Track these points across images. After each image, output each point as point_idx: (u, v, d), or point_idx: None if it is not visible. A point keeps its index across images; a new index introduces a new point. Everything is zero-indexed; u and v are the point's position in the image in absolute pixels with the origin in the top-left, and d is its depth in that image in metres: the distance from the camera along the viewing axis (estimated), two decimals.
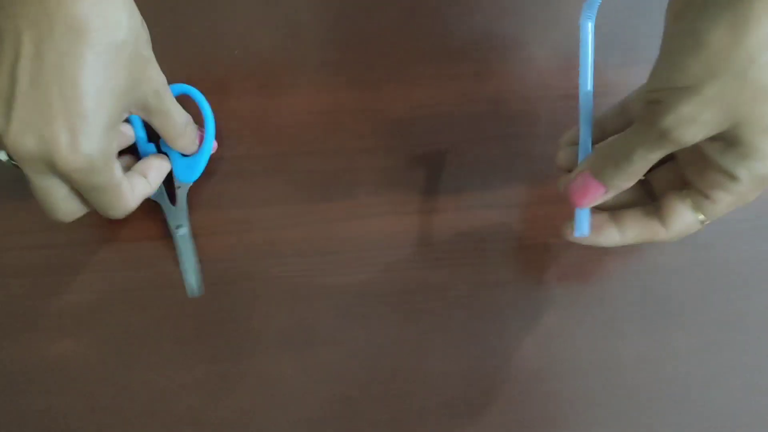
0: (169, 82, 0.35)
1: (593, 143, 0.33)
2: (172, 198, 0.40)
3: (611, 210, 0.33)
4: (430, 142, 0.41)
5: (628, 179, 0.30)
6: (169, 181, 0.40)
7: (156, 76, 0.34)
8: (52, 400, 0.37)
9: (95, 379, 0.38)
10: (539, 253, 0.39)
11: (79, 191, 0.33)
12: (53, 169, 0.31)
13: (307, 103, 0.41)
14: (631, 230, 0.32)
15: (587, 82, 0.33)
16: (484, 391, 0.37)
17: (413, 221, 0.40)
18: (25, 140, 0.30)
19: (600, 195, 0.31)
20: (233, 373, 0.38)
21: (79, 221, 0.39)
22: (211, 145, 0.40)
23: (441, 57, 0.42)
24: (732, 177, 0.28)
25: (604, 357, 0.38)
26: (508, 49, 0.43)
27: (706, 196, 0.29)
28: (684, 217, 0.31)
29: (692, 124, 0.26)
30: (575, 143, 0.34)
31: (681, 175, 0.32)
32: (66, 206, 0.33)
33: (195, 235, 0.40)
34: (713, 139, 0.27)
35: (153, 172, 0.37)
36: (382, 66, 0.42)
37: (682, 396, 0.37)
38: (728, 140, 0.27)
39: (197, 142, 0.39)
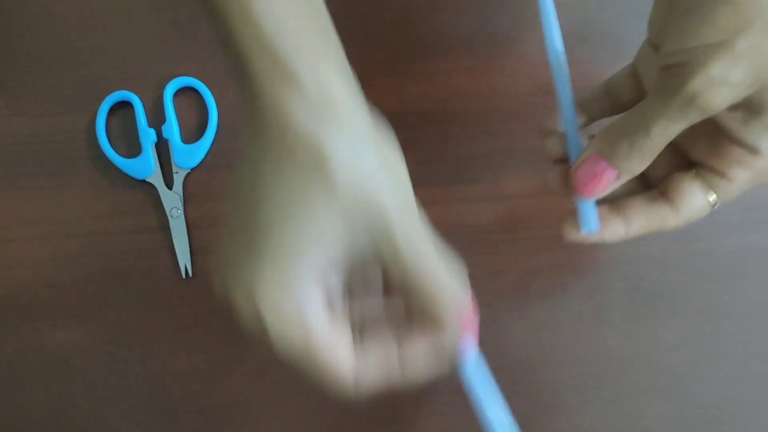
0: (172, 76, 0.36)
1: (603, 116, 0.31)
2: (170, 182, 0.41)
3: (609, 202, 0.30)
4: (422, 137, 0.41)
5: (643, 159, 0.26)
6: (167, 166, 0.41)
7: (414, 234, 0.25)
8: (52, 389, 0.38)
9: (95, 368, 0.39)
10: (530, 244, 0.40)
11: None
12: None
13: None
14: (638, 220, 0.29)
15: (556, 41, 0.30)
16: None
17: None
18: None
19: (612, 181, 0.27)
20: (231, 361, 0.39)
21: (78, 212, 0.41)
22: (213, 134, 0.41)
23: (434, 53, 0.43)
24: (753, 150, 0.25)
25: (592, 346, 0.38)
26: (501, 45, 0.43)
27: (722, 174, 0.27)
28: (695, 199, 0.28)
29: (723, 86, 0.23)
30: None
31: (683, 155, 0.29)
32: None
33: (194, 225, 0.40)
34: (732, 108, 0.25)
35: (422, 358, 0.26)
36: (376, 61, 0.43)
37: (669, 385, 0.38)
38: (752, 107, 0.24)
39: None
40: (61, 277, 0.40)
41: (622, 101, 0.31)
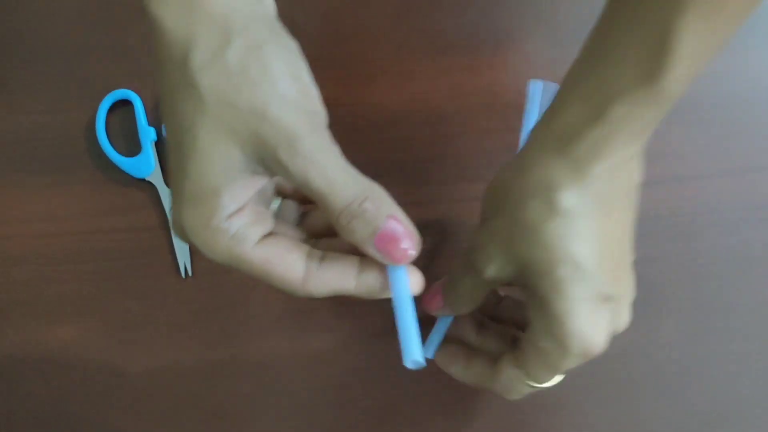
0: None
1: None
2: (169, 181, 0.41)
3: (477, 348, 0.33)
4: (423, 135, 0.41)
5: (460, 303, 0.31)
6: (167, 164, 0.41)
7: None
8: (51, 385, 0.38)
9: (95, 365, 0.39)
10: None
11: None
12: None
13: None
14: (470, 375, 0.32)
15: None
16: None
17: (406, 212, 0.40)
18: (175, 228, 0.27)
19: (438, 308, 0.32)
20: (230, 359, 0.39)
21: (77, 210, 0.40)
22: None
23: (435, 50, 0.43)
24: (533, 331, 0.27)
25: None
26: (501, 42, 0.43)
27: (521, 353, 0.28)
28: (511, 380, 0.30)
29: (483, 252, 0.27)
30: None
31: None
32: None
33: None
34: (523, 287, 0.27)
35: (373, 273, 0.28)
36: (377, 59, 0.43)
37: (669, 383, 0.38)
38: (525, 288, 0.27)
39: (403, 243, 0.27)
40: (60, 275, 0.40)
41: None
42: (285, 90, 0.24)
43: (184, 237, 0.26)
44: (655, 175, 0.39)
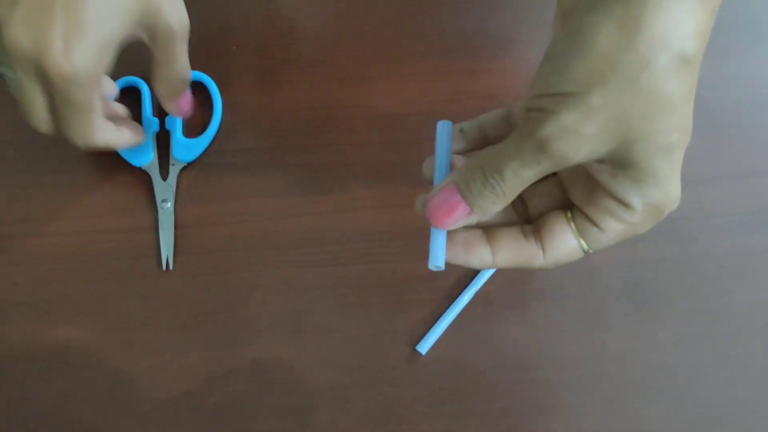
0: None
1: (476, 147, 0.30)
2: (165, 173, 0.41)
3: (485, 227, 0.28)
4: (421, 138, 0.42)
5: (497, 200, 0.25)
6: (164, 157, 0.42)
7: (175, 8, 0.33)
8: (51, 385, 0.38)
9: (95, 365, 0.39)
10: None
11: (55, 105, 0.33)
12: (40, 72, 0.31)
13: (302, 98, 0.43)
14: (504, 253, 0.27)
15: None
16: (472, 379, 0.38)
17: (404, 214, 0.41)
18: (20, 37, 0.30)
19: (463, 216, 0.26)
20: (229, 360, 0.39)
21: (82, 212, 0.41)
22: (215, 131, 0.42)
23: (433, 54, 0.43)
24: (625, 205, 0.25)
25: (589, 347, 0.39)
26: (499, 47, 0.44)
27: (594, 223, 0.26)
28: (566, 244, 0.27)
29: (575, 137, 0.23)
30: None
31: (564, 194, 0.28)
32: (41, 115, 0.34)
33: (193, 225, 0.41)
34: (600, 161, 0.24)
35: (128, 132, 0.37)
36: (376, 63, 0.43)
37: (666, 386, 0.38)
38: (618, 162, 0.24)
39: (185, 108, 0.39)
40: (61, 275, 0.40)
41: (492, 141, 0.30)
42: None
43: (57, 39, 0.30)
44: None
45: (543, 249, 0.27)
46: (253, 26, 0.44)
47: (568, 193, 0.28)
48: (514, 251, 0.27)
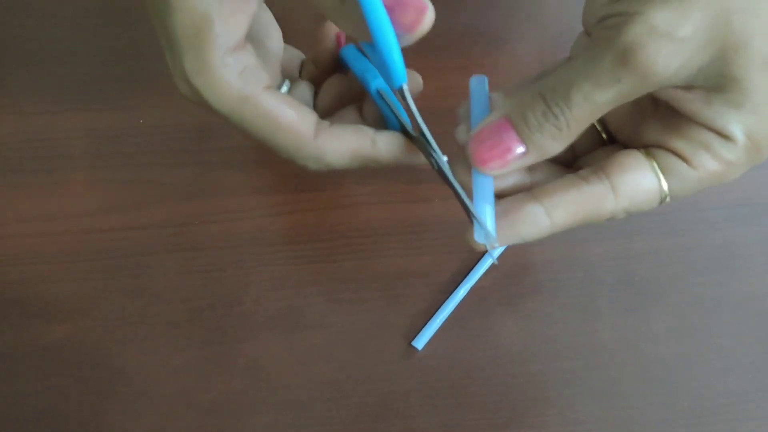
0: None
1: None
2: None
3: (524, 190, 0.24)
4: None
5: (560, 135, 0.21)
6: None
7: None
8: (48, 384, 0.39)
9: (91, 363, 0.39)
10: None
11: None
12: None
13: None
14: (565, 205, 0.22)
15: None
16: (466, 372, 0.39)
17: (398, 210, 0.41)
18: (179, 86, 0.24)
19: (517, 157, 0.22)
20: (224, 356, 0.39)
21: (74, 210, 0.41)
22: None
23: (425, 50, 0.43)
24: (724, 136, 0.20)
25: (583, 339, 0.39)
26: (492, 43, 0.44)
27: (684, 158, 0.21)
28: (642, 181, 0.22)
29: (667, 40, 0.18)
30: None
31: (628, 142, 0.23)
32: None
33: (185, 223, 0.41)
34: (687, 88, 0.20)
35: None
36: None
37: (659, 377, 0.38)
38: (711, 82, 0.19)
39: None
40: (57, 274, 0.40)
41: None
42: None
43: (187, 86, 0.23)
44: None
45: (615, 189, 0.22)
46: None
47: (638, 135, 0.23)
48: (575, 200, 0.22)
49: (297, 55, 0.31)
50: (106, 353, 0.39)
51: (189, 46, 0.22)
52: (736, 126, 0.20)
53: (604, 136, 0.25)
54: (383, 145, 0.24)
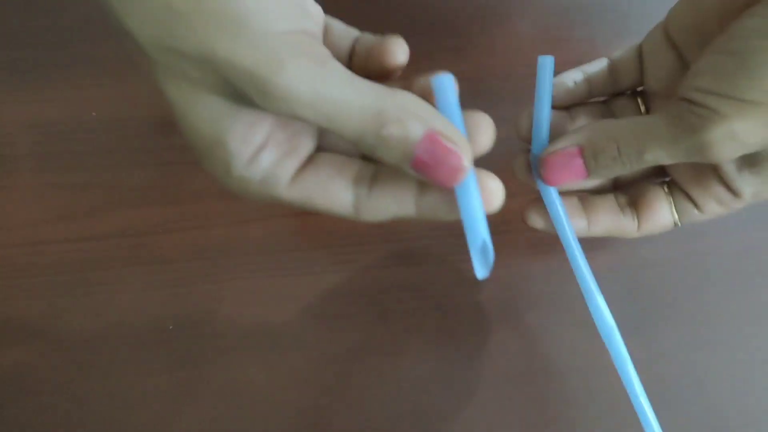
0: None
1: (579, 101, 0.29)
2: None
3: (578, 196, 0.29)
4: None
5: (620, 172, 0.25)
6: None
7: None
8: (4, 414, 0.35)
9: (51, 390, 0.35)
10: (519, 248, 0.37)
11: None
12: None
13: None
14: (602, 223, 0.28)
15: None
16: (460, 395, 0.36)
17: None
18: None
19: (579, 179, 0.26)
20: (196, 380, 0.36)
21: (21, 219, 0.37)
22: None
23: (416, 31, 0.38)
24: (735, 194, 0.26)
25: (587, 357, 0.36)
26: (488, 20, 0.39)
27: (696, 206, 0.27)
28: (662, 219, 0.28)
29: (739, 143, 0.22)
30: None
31: (662, 167, 0.29)
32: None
33: (148, 232, 0.37)
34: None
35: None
36: None
37: (670, 397, 0.35)
38: (750, 160, 0.24)
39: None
40: (8, 291, 0.36)
41: (622, 84, 0.29)
42: (237, 6, 0.18)
43: (220, 184, 0.23)
44: None
45: (638, 221, 0.28)
46: None
47: (670, 169, 0.28)
48: (610, 222, 0.28)
49: (346, 35, 0.27)
50: (66, 380, 0.36)
51: (210, 159, 0.22)
52: (748, 188, 0.25)
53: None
54: (427, 212, 0.24)
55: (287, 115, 0.20)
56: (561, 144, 0.26)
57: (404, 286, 0.36)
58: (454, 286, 0.36)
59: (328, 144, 0.25)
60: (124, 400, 0.35)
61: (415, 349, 0.36)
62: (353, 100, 0.20)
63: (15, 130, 0.38)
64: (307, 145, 0.24)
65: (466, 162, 0.21)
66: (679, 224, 0.28)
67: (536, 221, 0.29)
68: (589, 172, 0.25)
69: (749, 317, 0.36)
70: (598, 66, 0.29)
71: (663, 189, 0.28)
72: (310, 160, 0.23)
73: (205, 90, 0.20)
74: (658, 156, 0.24)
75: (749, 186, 0.25)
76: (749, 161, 0.24)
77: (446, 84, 0.23)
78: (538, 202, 0.29)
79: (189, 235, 0.37)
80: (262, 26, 0.19)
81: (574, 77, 0.29)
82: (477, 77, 0.38)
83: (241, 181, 0.22)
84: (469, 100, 0.38)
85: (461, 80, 0.38)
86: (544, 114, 0.28)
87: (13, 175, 0.37)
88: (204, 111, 0.21)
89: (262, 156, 0.22)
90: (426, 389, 0.36)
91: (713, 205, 0.26)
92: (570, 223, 0.28)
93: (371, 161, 0.24)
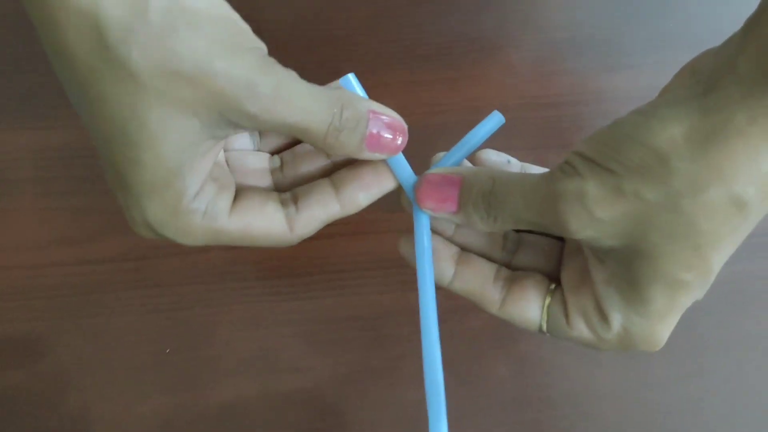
0: None
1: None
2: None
3: (463, 247, 0.27)
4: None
5: (486, 221, 0.24)
6: None
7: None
8: None
9: (47, 412, 0.36)
10: None
11: None
12: None
13: None
14: (466, 282, 0.26)
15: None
16: (454, 420, 0.36)
17: (381, 242, 0.37)
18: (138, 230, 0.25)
19: (447, 210, 0.25)
20: (193, 404, 0.36)
21: (24, 242, 0.37)
22: None
23: (411, 61, 0.39)
24: (603, 317, 0.23)
25: (580, 385, 0.36)
26: (483, 52, 0.40)
27: (565, 316, 0.24)
28: (528, 313, 0.25)
29: (586, 212, 0.21)
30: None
31: (558, 265, 0.26)
32: None
33: (147, 257, 0.37)
34: (602, 259, 0.22)
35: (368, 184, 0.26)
36: (349, 70, 0.39)
37: (663, 426, 0.36)
38: (618, 270, 0.22)
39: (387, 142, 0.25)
40: (7, 313, 0.37)
41: None
42: (220, 35, 0.21)
43: (151, 233, 0.23)
44: None
45: (504, 300, 0.25)
46: None
47: (561, 269, 0.26)
48: (475, 286, 0.26)
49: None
50: (62, 401, 0.36)
51: (156, 197, 0.22)
52: (616, 315, 0.22)
53: None
54: (349, 206, 0.26)
55: (267, 124, 0.22)
56: (449, 169, 0.25)
57: (400, 311, 0.37)
58: (449, 312, 0.37)
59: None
60: (121, 422, 0.36)
61: (410, 374, 0.36)
62: (317, 97, 0.23)
63: (18, 155, 0.38)
64: (232, 181, 0.25)
65: (404, 133, 0.25)
66: (545, 328, 0.25)
67: (406, 250, 0.27)
68: (460, 204, 0.24)
69: (738, 346, 0.36)
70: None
71: (547, 286, 0.25)
72: (237, 194, 0.25)
73: (190, 112, 0.21)
74: (518, 205, 0.23)
75: (617, 312, 0.22)
76: (618, 273, 0.22)
77: (350, 81, 0.26)
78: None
79: (187, 259, 0.37)
80: (239, 42, 0.22)
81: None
82: (471, 108, 0.39)
83: (187, 215, 0.22)
84: (462, 131, 0.39)
85: (456, 111, 0.39)
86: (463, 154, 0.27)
87: (17, 199, 0.38)
88: (176, 138, 0.21)
89: (206, 188, 0.23)
90: (421, 414, 0.36)
91: (580, 322, 0.24)
92: (431, 262, 0.26)
93: (284, 190, 0.26)
